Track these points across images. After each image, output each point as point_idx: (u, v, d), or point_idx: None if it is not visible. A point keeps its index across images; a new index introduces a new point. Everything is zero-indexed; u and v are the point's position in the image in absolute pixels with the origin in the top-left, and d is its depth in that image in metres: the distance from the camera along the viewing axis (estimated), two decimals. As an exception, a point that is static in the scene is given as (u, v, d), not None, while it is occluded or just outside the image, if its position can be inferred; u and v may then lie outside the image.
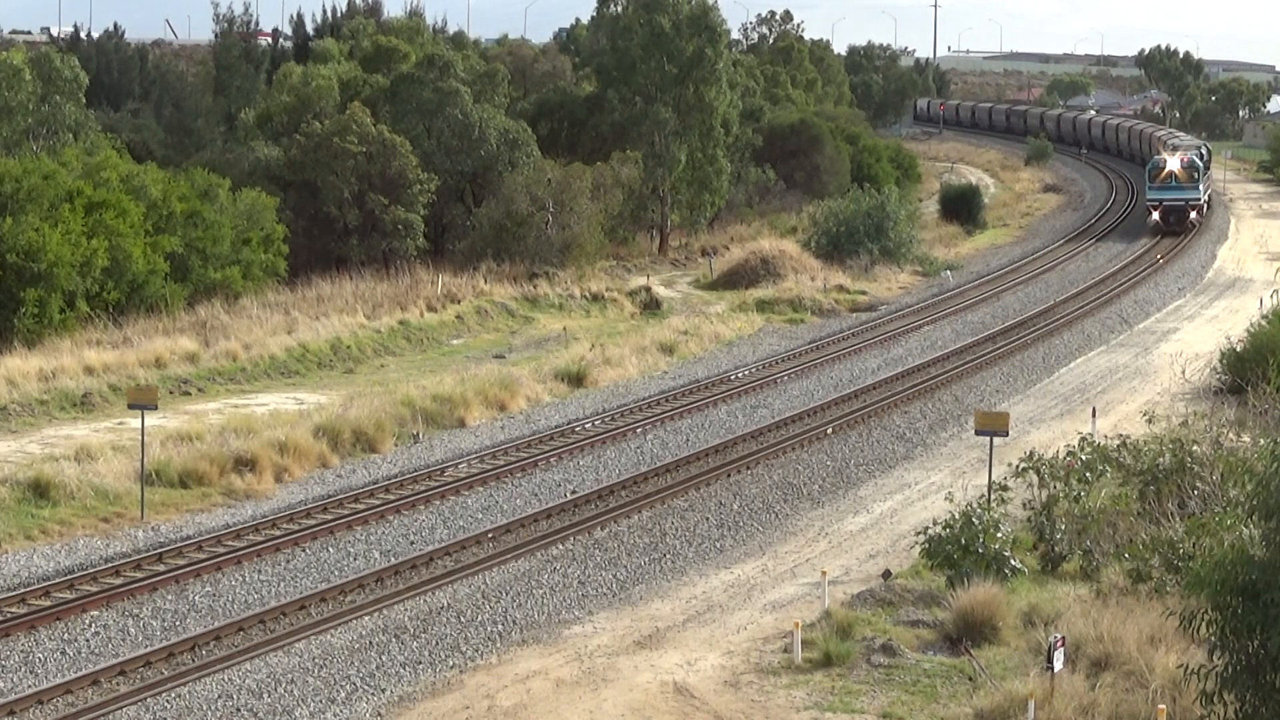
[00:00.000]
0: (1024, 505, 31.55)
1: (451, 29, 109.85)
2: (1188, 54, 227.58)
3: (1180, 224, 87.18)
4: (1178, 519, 28.19)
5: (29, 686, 24.55)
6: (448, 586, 29.64)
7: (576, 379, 48.28)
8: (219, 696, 24.28)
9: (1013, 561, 28.80)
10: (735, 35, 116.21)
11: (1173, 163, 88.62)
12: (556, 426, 42.65)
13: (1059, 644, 23.01)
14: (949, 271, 73.85)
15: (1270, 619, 18.17)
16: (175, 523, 33.34)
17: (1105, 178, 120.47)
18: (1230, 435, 32.85)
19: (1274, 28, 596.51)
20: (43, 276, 49.82)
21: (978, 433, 33.15)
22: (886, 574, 30.00)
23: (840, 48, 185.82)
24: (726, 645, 26.53)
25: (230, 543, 31.68)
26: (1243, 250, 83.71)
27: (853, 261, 72.99)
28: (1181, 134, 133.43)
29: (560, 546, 32.33)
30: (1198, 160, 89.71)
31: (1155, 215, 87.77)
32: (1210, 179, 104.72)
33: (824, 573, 29.11)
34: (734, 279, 70.32)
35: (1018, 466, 31.68)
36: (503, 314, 60.92)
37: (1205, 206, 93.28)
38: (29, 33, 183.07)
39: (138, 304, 53.57)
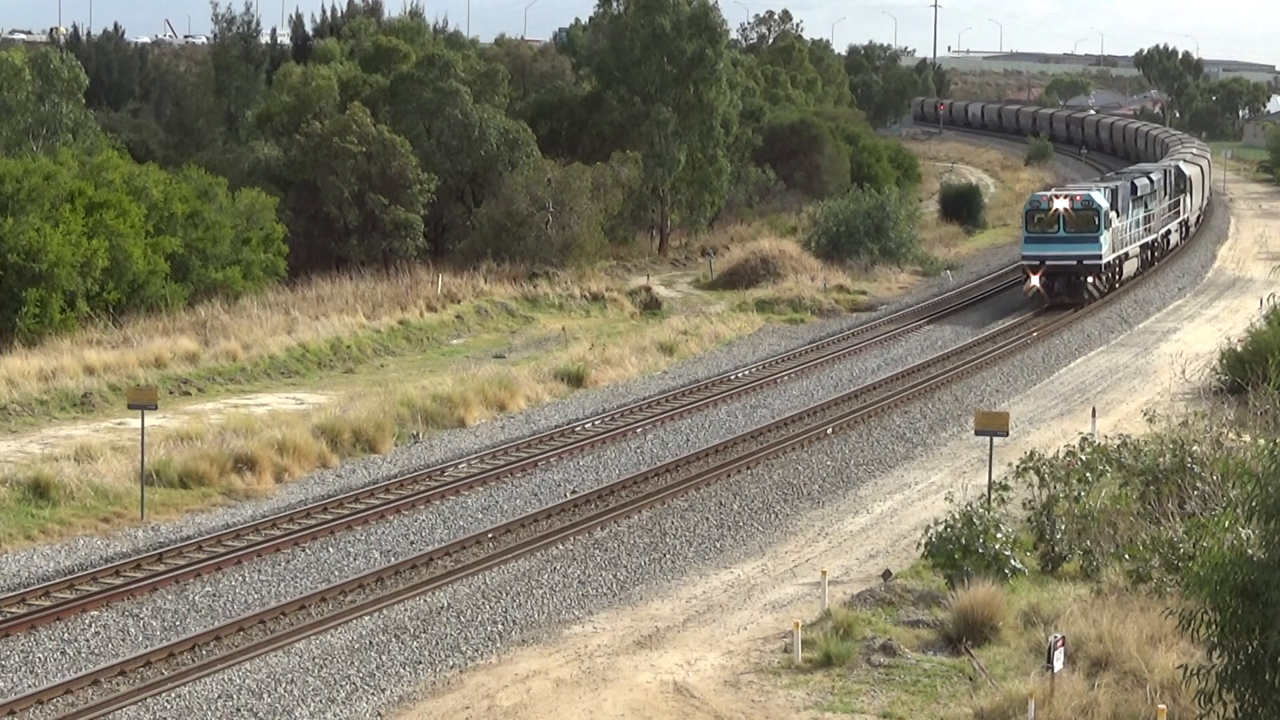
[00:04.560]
0: (1024, 505, 31.55)
1: (451, 29, 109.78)
2: (1187, 54, 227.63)
3: (1072, 294, 61.31)
4: (1178, 519, 28.19)
5: (29, 686, 24.55)
6: (448, 586, 29.64)
7: (576, 379, 48.30)
8: (219, 696, 24.29)
9: (1013, 561, 28.81)
10: (734, 35, 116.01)
11: (1061, 201, 61.15)
12: (556, 426, 42.66)
13: (1059, 644, 23.02)
14: (949, 271, 73.85)
15: (1269, 619, 18.18)
16: (175, 523, 33.35)
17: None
18: (1230, 435, 32.84)
19: (1274, 27, 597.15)
20: (43, 276, 49.85)
21: (978, 433, 33.16)
22: (886, 574, 30.00)
23: (840, 48, 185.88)
24: (726, 645, 26.53)
25: (230, 543, 31.69)
26: (1243, 250, 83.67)
27: (853, 261, 73.00)
28: (1181, 134, 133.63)
29: (560, 546, 32.33)
30: (1098, 199, 61.25)
31: (1034, 280, 61.04)
32: (1202, 191, 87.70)
33: (824, 573, 29.12)
34: (734, 279, 70.35)
35: (1018, 466, 31.68)
36: (503, 314, 60.93)
37: (1122, 266, 65.81)
38: (29, 32, 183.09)
39: (138, 304, 53.61)
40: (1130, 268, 67.49)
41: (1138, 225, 67.95)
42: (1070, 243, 60.66)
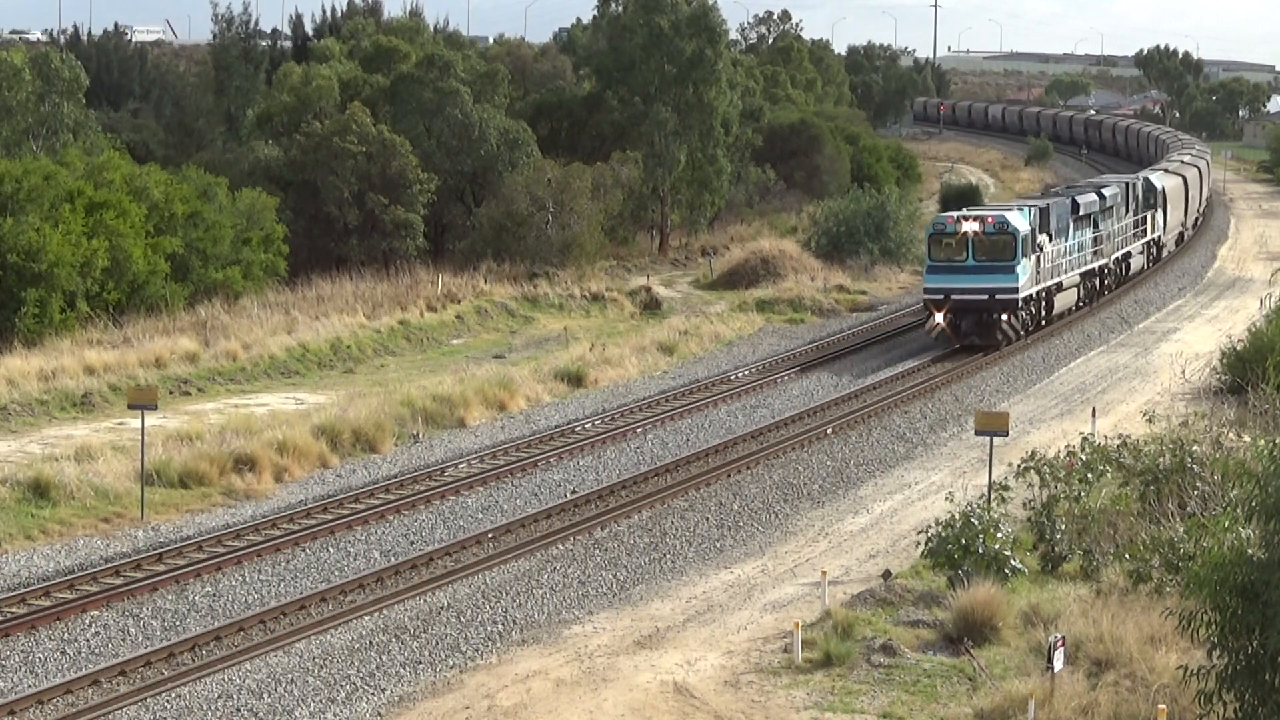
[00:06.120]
0: (1024, 505, 31.56)
1: (451, 29, 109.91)
2: (1187, 54, 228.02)
3: (984, 335, 52.20)
4: (1178, 519, 28.20)
5: (29, 686, 24.55)
6: (448, 586, 29.64)
7: (576, 379, 48.30)
8: (219, 696, 24.28)
9: (1013, 561, 28.82)
10: (733, 35, 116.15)
11: (970, 224, 51.76)
12: (556, 426, 42.66)
13: (1059, 644, 23.03)
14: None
15: (1269, 619, 18.19)
16: (175, 523, 33.35)
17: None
18: (1230, 435, 32.86)
19: (1274, 27, 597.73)
20: (43, 276, 49.88)
21: (978, 433, 33.14)
22: (886, 574, 29.99)
23: (840, 48, 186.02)
24: (726, 645, 26.53)
25: (230, 543, 31.69)
26: (1243, 250, 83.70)
27: (853, 261, 73.02)
28: (1181, 134, 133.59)
29: (560, 546, 32.32)
30: (1014, 221, 51.67)
31: (938, 318, 51.97)
32: (1184, 205, 79.03)
33: (824, 573, 29.11)
34: (734, 279, 70.38)
35: (1018, 466, 31.69)
36: (503, 314, 60.95)
37: (1051, 300, 56.29)
38: (29, 32, 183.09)
39: (138, 304, 53.64)
40: (1064, 300, 57.93)
41: (1080, 249, 58.94)
42: (980, 273, 51.43)
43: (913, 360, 51.63)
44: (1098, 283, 62.49)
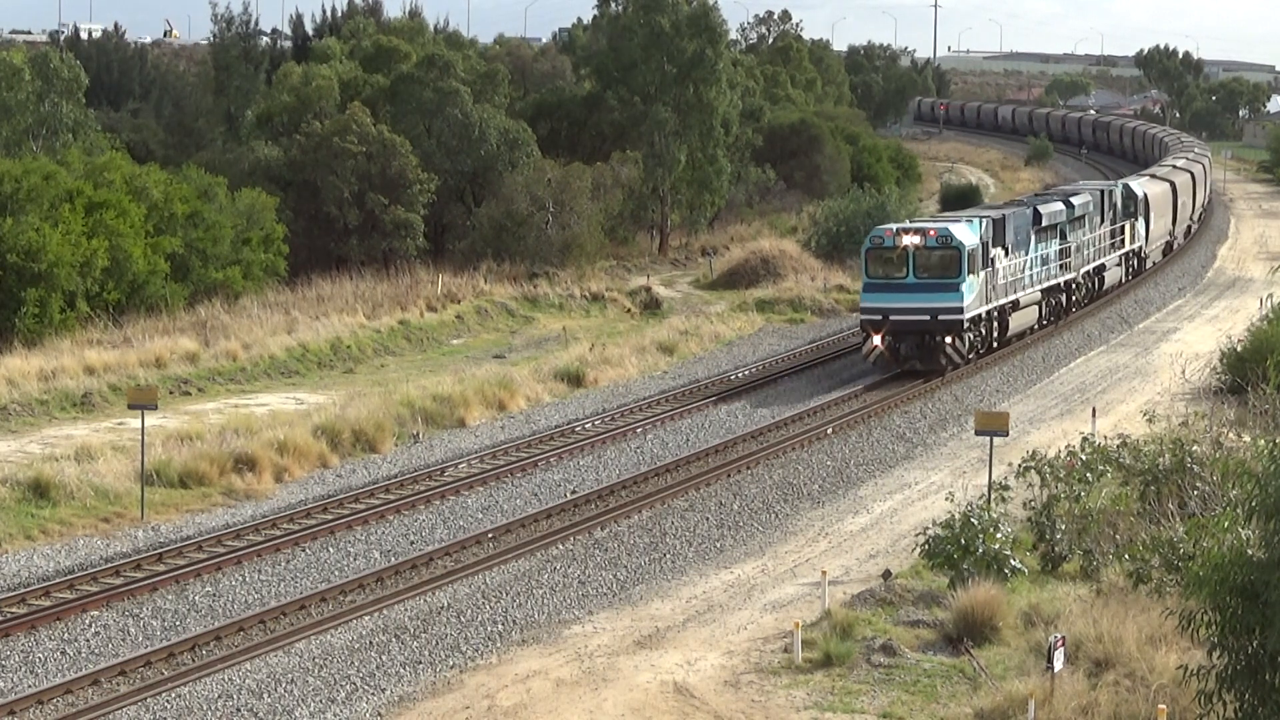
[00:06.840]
0: (1024, 505, 31.57)
1: (451, 29, 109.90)
2: (1187, 54, 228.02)
3: (925, 359, 47.88)
4: (1178, 519, 28.20)
5: (29, 686, 24.55)
6: (448, 586, 29.64)
7: (576, 379, 48.30)
8: (219, 696, 24.28)
9: (1013, 561, 28.81)
10: (733, 35, 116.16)
11: (910, 238, 47.48)
12: (556, 426, 42.66)
13: (1059, 644, 23.03)
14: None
15: (1269, 619, 18.19)
16: (175, 523, 33.35)
17: (1105, 178, 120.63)
18: (1230, 435, 32.87)
19: (1274, 27, 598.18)
20: (43, 276, 49.89)
21: (978, 433, 33.16)
22: (886, 574, 29.99)
23: (840, 48, 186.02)
24: (726, 645, 26.53)
25: (230, 543, 31.69)
26: (1243, 250, 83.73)
27: (853, 261, 72.91)
28: (1181, 134, 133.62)
29: (560, 546, 32.33)
30: (959, 234, 47.36)
31: (875, 340, 47.58)
32: (1172, 213, 75.51)
33: (824, 573, 29.11)
34: (734, 279, 70.40)
35: (1018, 467, 31.70)
36: (503, 314, 60.96)
37: (1005, 320, 51.60)
38: (29, 32, 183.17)
39: (138, 304, 53.65)
40: (1022, 320, 53.23)
41: (1044, 263, 54.47)
42: (922, 291, 47.01)
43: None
44: (1064, 299, 57.96)
